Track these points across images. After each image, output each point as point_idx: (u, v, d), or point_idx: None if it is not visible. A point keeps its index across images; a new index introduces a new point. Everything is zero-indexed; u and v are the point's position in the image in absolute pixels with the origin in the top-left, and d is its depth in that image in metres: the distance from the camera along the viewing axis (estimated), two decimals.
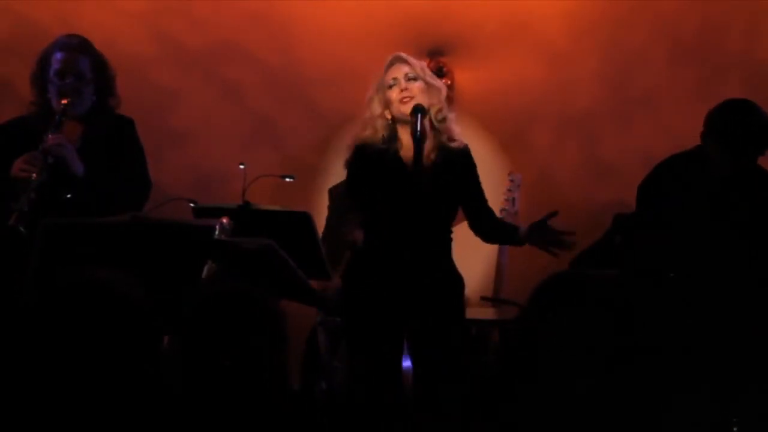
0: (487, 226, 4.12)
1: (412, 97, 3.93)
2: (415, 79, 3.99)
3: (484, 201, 4.13)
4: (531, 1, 5.67)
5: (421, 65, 4.07)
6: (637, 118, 5.72)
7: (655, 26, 5.71)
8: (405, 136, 3.97)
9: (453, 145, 4.04)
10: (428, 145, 3.98)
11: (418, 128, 3.85)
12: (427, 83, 4.01)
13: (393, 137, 3.99)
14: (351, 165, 4.04)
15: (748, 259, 4.23)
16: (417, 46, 4.29)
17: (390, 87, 3.99)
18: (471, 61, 5.70)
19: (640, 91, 5.73)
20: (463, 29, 5.64)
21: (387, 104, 3.99)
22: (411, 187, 3.86)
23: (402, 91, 3.95)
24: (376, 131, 3.98)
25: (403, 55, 4.07)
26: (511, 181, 5.20)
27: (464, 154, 4.08)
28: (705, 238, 4.25)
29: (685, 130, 4.56)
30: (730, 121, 4.24)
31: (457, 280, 4.06)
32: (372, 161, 3.96)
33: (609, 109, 5.74)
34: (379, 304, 3.88)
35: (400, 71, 4.00)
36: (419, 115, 3.87)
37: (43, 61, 4.23)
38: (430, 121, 3.99)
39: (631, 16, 5.70)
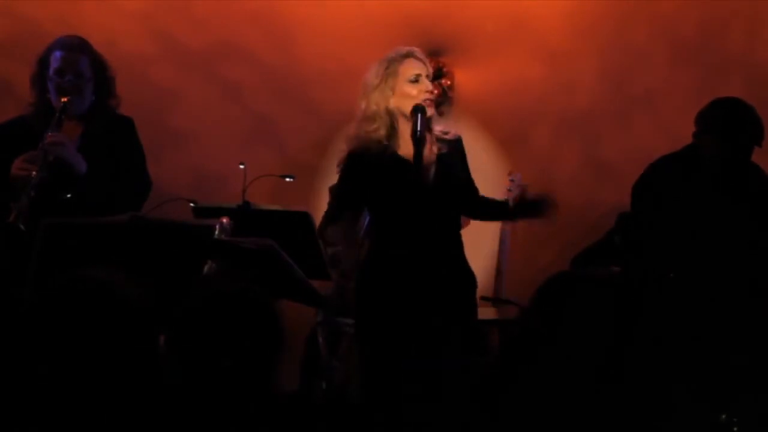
0: (477, 203, 4.10)
1: (432, 100, 3.92)
2: (431, 81, 3.99)
3: (473, 184, 4.13)
4: (531, 1, 5.67)
5: (430, 66, 4.07)
6: (638, 118, 5.71)
7: (655, 26, 5.71)
8: (406, 133, 3.94)
9: (448, 137, 4.03)
10: (428, 141, 3.98)
11: (419, 128, 3.83)
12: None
13: (393, 130, 3.96)
14: (346, 172, 3.99)
15: (746, 255, 4.24)
16: (417, 46, 4.27)
17: (412, 81, 3.94)
18: (471, 61, 5.70)
19: (641, 90, 5.73)
20: (463, 29, 5.64)
21: (400, 97, 3.93)
22: (416, 186, 3.85)
23: (428, 92, 3.92)
24: (377, 121, 3.94)
25: (419, 52, 4.03)
26: (511, 181, 5.19)
27: (459, 143, 4.07)
28: (701, 235, 4.26)
29: (685, 130, 4.56)
30: (724, 114, 4.28)
31: (471, 277, 4.06)
32: (371, 167, 3.92)
33: (609, 109, 5.74)
34: (395, 307, 3.87)
35: (422, 69, 3.95)
36: (419, 115, 3.86)
37: (43, 61, 4.24)
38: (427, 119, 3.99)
39: (631, 16, 5.70)
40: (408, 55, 3.97)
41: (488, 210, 4.14)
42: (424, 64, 3.98)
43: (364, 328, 4.02)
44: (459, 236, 4.04)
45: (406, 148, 3.92)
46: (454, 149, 4.03)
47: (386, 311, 3.88)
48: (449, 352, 3.89)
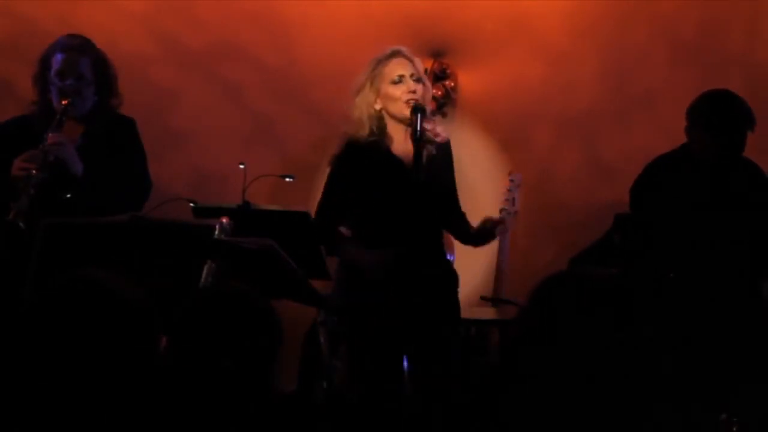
0: (454, 215, 4.09)
1: (417, 100, 3.91)
2: (419, 80, 3.96)
3: (455, 194, 4.10)
4: (531, 1, 5.67)
5: (420, 64, 4.04)
6: (637, 118, 5.71)
7: (655, 26, 5.70)
8: (397, 133, 3.95)
9: (438, 140, 4.02)
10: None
11: (419, 128, 3.84)
12: (424, 84, 4.00)
13: (382, 132, 3.96)
14: (339, 161, 4.02)
15: (745, 253, 4.24)
16: (417, 47, 4.27)
17: (395, 83, 3.93)
18: (471, 62, 5.69)
19: (641, 91, 5.72)
20: (463, 29, 5.64)
21: (385, 99, 3.93)
22: (410, 186, 3.85)
23: (411, 92, 3.91)
24: (364, 125, 3.95)
25: (406, 51, 4.01)
26: (511, 181, 5.19)
27: (447, 148, 4.07)
28: (700, 234, 4.26)
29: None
30: (712, 106, 4.28)
31: (453, 276, 4.07)
32: (365, 158, 3.95)
33: (609, 109, 5.74)
34: (380, 305, 3.87)
35: (406, 69, 3.94)
36: (419, 115, 3.86)
37: (44, 61, 4.24)
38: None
39: (631, 16, 5.69)
40: (393, 55, 3.97)
41: (460, 228, 4.12)
42: (411, 62, 3.97)
43: (351, 327, 4.04)
44: (440, 238, 4.05)
45: (398, 146, 3.93)
46: (443, 152, 4.03)
47: (370, 309, 3.90)
48: (433, 351, 3.91)
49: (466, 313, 4.36)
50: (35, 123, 4.21)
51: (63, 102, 4.15)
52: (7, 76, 5.35)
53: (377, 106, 3.93)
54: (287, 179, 4.75)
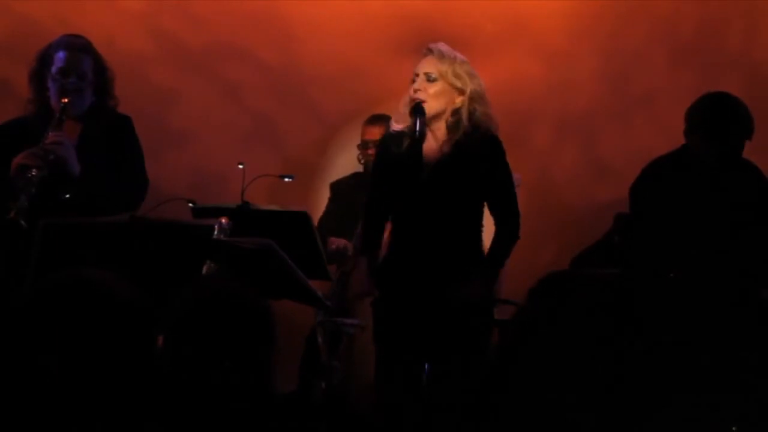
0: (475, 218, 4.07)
1: (422, 100, 3.86)
2: (435, 80, 3.89)
3: (497, 200, 4.07)
4: (531, 1, 5.67)
5: (451, 61, 3.91)
6: (637, 118, 5.71)
7: (654, 26, 5.71)
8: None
9: (477, 135, 3.92)
10: (444, 139, 3.94)
11: (417, 128, 3.83)
12: (450, 84, 3.91)
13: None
14: (375, 154, 4.11)
15: (745, 253, 4.24)
16: (416, 46, 4.27)
17: (412, 81, 3.92)
18: (471, 62, 5.68)
19: (640, 90, 5.73)
20: (462, 29, 5.64)
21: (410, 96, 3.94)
22: (411, 185, 3.87)
23: (416, 91, 3.88)
24: (405, 124, 3.95)
25: (435, 48, 3.92)
26: None
27: (490, 143, 4.00)
28: (700, 234, 4.26)
29: None
30: (710, 112, 4.27)
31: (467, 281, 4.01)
32: (387, 152, 3.98)
33: (609, 109, 5.74)
34: (401, 307, 3.89)
35: (423, 67, 3.91)
36: (418, 116, 3.85)
37: (45, 58, 4.23)
38: (446, 121, 3.94)
39: (630, 16, 5.70)
40: (425, 54, 3.95)
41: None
42: (432, 59, 3.91)
43: (375, 327, 4.06)
44: (463, 238, 4.00)
45: (427, 142, 3.92)
46: (479, 149, 3.95)
47: (389, 309, 3.92)
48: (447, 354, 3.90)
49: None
50: (33, 123, 4.20)
51: (63, 100, 4.14)
52: (7, 76, 5.35)
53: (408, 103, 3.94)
54: (286, 179, 4.75)
